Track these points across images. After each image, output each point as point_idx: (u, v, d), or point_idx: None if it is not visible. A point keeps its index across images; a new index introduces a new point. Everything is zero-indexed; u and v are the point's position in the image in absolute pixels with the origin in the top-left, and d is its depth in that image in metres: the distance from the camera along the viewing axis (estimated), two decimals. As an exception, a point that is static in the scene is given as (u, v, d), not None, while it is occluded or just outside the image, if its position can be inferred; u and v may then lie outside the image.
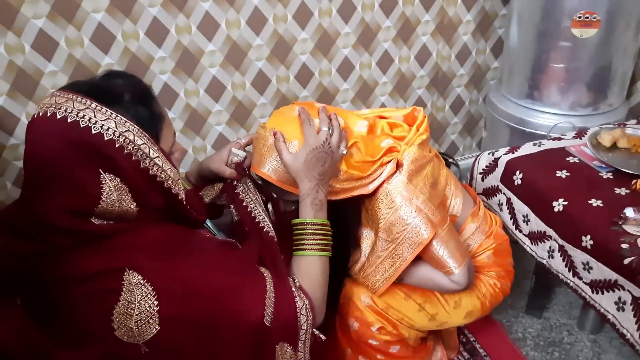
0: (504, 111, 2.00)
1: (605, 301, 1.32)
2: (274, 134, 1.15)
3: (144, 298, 0.86)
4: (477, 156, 1.75)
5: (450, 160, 1.59)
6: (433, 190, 1.25)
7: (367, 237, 1.27)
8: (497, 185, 1.65)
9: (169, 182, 0.92)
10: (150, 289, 0.86)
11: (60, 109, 0.83)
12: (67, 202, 0.84)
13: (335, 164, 1.16)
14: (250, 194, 1.23)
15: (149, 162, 0.88)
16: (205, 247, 1.00)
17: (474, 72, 2.28)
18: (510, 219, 1.61)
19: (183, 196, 0.97)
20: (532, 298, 1.78)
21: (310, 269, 1.10)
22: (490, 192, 1.69)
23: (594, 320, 1.69)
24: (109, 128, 0.83)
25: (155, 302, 0.86)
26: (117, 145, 0.84)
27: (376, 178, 1.20)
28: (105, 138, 0.83)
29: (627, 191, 1.44)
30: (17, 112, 1.67)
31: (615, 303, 1.29)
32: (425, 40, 2.11)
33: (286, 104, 1.96)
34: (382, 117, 1.33)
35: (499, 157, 1.65)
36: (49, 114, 0.83)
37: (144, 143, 0.87)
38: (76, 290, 0.86)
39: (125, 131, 0.85)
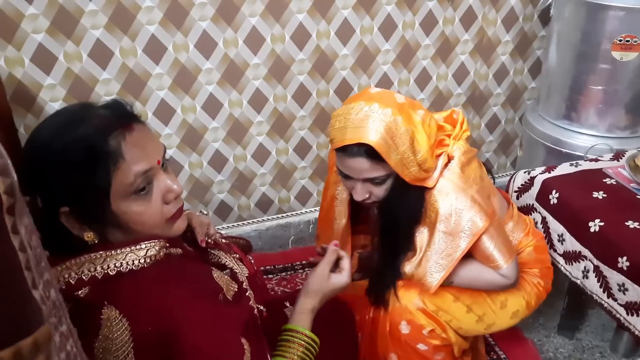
0: (541, 131, 2.02)
1: (641, 323, 1.32)
2: (335, 244, 1.15)
3: (121, 333, 0.84)
4: (513, 174, 1.77)
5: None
6: (482, 182, 1.28)
7: (420, 234, 1.29)
8: (533, 204, 1.67)
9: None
10: (126, 324, 0.84)
11: None
12: None
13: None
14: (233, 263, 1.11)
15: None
16: (196, 290, 0.91)
17: (510, 91, 2.30)
18: (545, 237, 1.62)
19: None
20: (565, 318, 1.77)
21: None
22: (525, 211, 1.70)
23: (628, 343, 1.68)
24: None
25: (130, 339, 0.84)
26: None
27: (434, 169, 1.23)
28: None
29: (665, 215, 1.44)
30: (16, 125, 1.71)
31: (651, 325, 1.29)
32: (463, 59, 2.14)
33: (284, 122, 2.03)
34: None
35: (535, 176, 1.67)
36: None
37: None
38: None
39: None
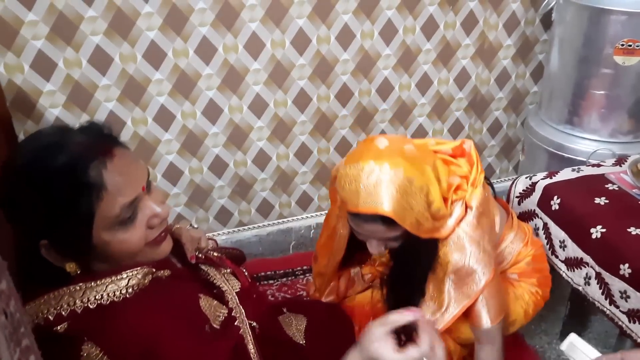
0: (543, 136, 2.00)
1: (643, 331, 1.31)
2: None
3: None
4: (514, 180, 1.75)
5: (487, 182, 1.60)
6: (492, 231, 1.26)
7: (430, 280, 1.24)
8: (534, 210, 1.65)
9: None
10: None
11: None
12: None
13: None
14: (222, 282, 1.08)
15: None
16: (180, 325, 0.88)
17: (512, 96, 2.29)
18: (547, 244, 1.61)
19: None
20: (567, 325, 1.76)
21: None
22: (526, 217, 1.69)
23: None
24: None
25: None
26: None
27: (449, 218, 1.18)
28: None
29: (668, 221, 1.43)
30: (16, 131, 1.69)
31: (653, 333, 1.27)
32: (464, 63, 2.13)
33: (284, 128, 2.02)
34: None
35: (537, 182, 1.66)
36: None
37: None
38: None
39: None
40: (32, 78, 1.69)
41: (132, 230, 0.85)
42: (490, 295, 1.21)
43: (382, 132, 2.16)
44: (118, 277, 0.85)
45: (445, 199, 1.15)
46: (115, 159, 0.82)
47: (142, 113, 1.84)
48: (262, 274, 2.11)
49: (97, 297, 0.83)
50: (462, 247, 1.18)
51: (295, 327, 1.19)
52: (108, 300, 0.84)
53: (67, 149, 0.80)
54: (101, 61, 1.73)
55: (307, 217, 2.26)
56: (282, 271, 2.13)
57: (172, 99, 1.86)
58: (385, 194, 1.06)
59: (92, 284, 0.84)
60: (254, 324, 1.04)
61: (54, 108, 1.74)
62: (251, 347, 0.99)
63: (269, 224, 2.22)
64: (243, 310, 1.02)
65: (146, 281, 0.88)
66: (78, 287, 0.84)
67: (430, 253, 1.20)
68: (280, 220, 2.23)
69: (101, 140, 0.84)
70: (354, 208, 1.08)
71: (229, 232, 2.17)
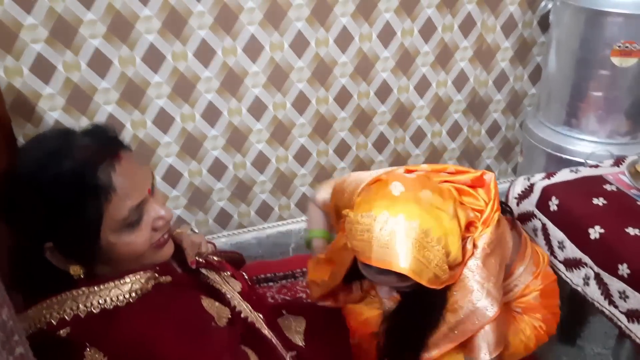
0: (541, 137, 2.01)
1: (642, 331, 1.31)
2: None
3: None
4: (513, 181, 1.76)
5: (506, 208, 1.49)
6: (501, 270, 1.20)
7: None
8: (533, 211, 1.66)
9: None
10: None
11: None
12: None
13: None
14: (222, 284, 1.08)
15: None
16: (184, 327, 0.88)
17: (510, 97, 2.30)
18: (545, 244, 1.61)
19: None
20: (566, 326, 1.76)
21: None
22: (525, 218, 1.69)
23: (630, 351, 1.66)
24: None
25: None
26: None
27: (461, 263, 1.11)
28: None
29: (666, 221, 1.43)
30: (15, 134, 1.70)
31: (652, 333, 1.28)
32: (463, 65, 2.14)
33: (283, 130, 2.02)
34: (446, 181, 1.20)
35: (535, 183, 1.66)
36: None
37: None
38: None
39: None
40: (32, 81, 1.69)
41: (138, 232, 0.85)
42: (491, 329, 1.16)
43: (381, 135, 2.16)
44: (121, 282, 0.85)
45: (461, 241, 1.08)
46: (122, 162, 0.83)
47: (142, 116, 1.85)
48: (262, 276, 2.11)
49: (100, 301, 0.83)
50: (464, 287, 1.13)
51: (295, 329, 1.19)
52: (112, 305, 0.83)
53: (74, 153, 0.80)
54: (100, 64, 1.74)
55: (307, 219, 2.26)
56: (281, 273, 2.13)
57: (172, 102, 1.86)
58: (401, 249, 0.98)
59: (96, 288, 0.84)
60: (261, 315, 1.04)
61: (54, 111, 1.75)
62: (266, 331, 0.99)
63: (268, 226, 2.22)
64: (248, 304, 1.02)
65: (149, 286, 0.88)
66: (81, 292, 0.83)
67: (442, 299, 1.14)
68: (279, 223, 2.23)
69: (107, 142, 0.85)
70: (367, 260, 1.02)
71: (228, 234, 2.17)
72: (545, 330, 1.37)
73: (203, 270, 1.05)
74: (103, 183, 0.79)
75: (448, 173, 1.23)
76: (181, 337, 0.85)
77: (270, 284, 2.09)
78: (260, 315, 1.06)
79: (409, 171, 1.20)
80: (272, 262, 2.18)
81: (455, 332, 1.16)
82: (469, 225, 1.12)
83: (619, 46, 1.72)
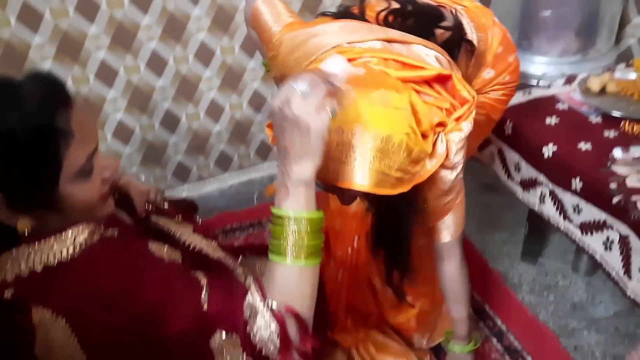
0: (494, 63, 2.00)
1: (595, 242, 1.35)
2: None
3: (61, 334, 0.78)
4: (468, 108, 1.75)
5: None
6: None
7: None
8: (489, 137, 1.67)
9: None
10: (63, 323, 0.78)
11: None
12: None
13: (310, 138, 0.79)
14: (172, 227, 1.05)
15: None
16: (129, 265, 0.85)
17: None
18: (502, 168, 1.64)
19: None
20: (527, 245, 1.81)
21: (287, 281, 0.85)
22: (482, 145, 1.70)
23: (588, 263, 1.73)
24: None
25: (75, 338, 0.78)
26: None
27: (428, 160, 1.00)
28: None
29: (616, 134, 1.46)
30: None
31: (604, 243, 1.32)
32: None
33: (234, 76, 1.98)
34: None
35: (490, 108, 1.66)
36: None
37: None
38: None
39: None
40: None
41: (91, 183, 0.83)
42: (454, 213, 1.16)
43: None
44: (63, 237, 0.82)
45: (423, 135, 0.96)
46: (77, 109, 0.80)
47: (83, 70, 1.77)
48: (228, 226, 2.11)
49: (43, 258, 0.80)
50: (434, 186, 1.07)
51: (260, 270, 1.18)
52: (55, 261, 0.80)
53: (28, 96, 0.77)
54: (32, 20, 1.64)
55: (268, 165, 2.23)
56: (247, 222, 2.13)
57: (113, 53, 1.79)
58: (360, 165, 0.87)
59: (37, 246, 0.81)
60: (214, 243, 1.02)
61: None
62: (219, 254, 0.98)
63: (229, 176, 2.19)
64: (201, 236, 1.00)
65: (94, 239, 0.85)
66: (22, 251, 0.80)
67: (411, 204, 1.05)
68: (240, 172, 2.20)
69: (60, 89, 0.81)
70: (321, 177, 0.88)
71: (189, 187, 2.13)
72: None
73: (153, 217, 1.03)
74: (62, 127, 0.76)
75: (399, 63, 1.03)
76: (125, 276, 0.83)
77: (237, 234, 2.09)
78: (214, 243, 1.04)
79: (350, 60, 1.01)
80: (236, 213, 2.17)
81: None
82: (440, 125, 1.00)
83: (565, -39, 1.70)
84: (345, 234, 1.45)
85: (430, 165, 0.98)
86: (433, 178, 1.02)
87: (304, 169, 0.80)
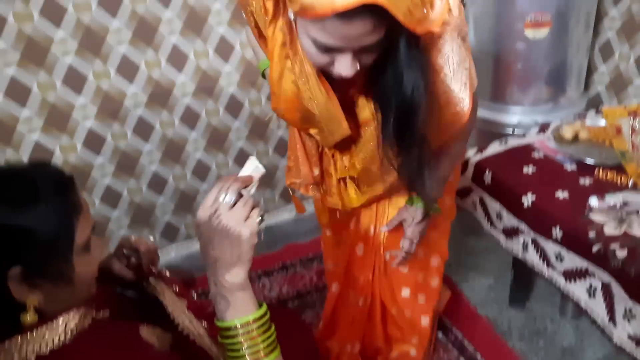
0: (471, 113, 2.08)
1: (578, 289, 1.38)
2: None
3: None
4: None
5: None
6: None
7: None
8: (470, 186, 1.71)
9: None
10: None
11: None
12: None
13: (241, 247, 0.81)
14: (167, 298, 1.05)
15: None
16: (120, 355, 0.85)
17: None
18: (485, 217, 1.68)
19: None
20: (514, 291, 1.84)
21: None
22: (464, 193, 1.74)
23: (574, 306, 1.75)
24: None
25: None
26: None
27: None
28: None
29: (591, 181, 1.51)
30: None
31: (587, 290, 1.35)
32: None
33: (210, 82, 1.95)
34: None
35: (469, 158, 1.72)
36: None
37: None
38: None
39: None
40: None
41: (92, 257, 0.86)
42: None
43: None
44: (54, 324, 0.82)
45: None
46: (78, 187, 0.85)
47: (49, 77, 1.72)
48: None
49: (35, 348, 0.80)
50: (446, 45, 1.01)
51: None
52: (47, 349, 0.80)
53: (43, 174, 0.81)
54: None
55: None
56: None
57: (81, 58, 1.74)
58: None
59: (29, 336, 0.81)
60: (205, 325, 1.02)
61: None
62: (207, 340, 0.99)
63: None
64: (192, 316, 1.01)
65: (85, 324, 0.86)
66: (14, 342, 0.80)
67: (420, 64, 0.95)
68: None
69: (67, 174, 0.85)
70: (330, 6, 0.79)
71: (177, 246, 2.14)
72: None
73: (152, 280, 1.04)
74: (75, 200, 0.81)
75: None
76: None
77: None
78: (205, 324, 1.04)
79: None
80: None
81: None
82: None
83: (531, 19, 1.79)
84: (367, 261, 1.47)
85: (433, 15, 0.90)
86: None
87: (237, 275, 0.83)
